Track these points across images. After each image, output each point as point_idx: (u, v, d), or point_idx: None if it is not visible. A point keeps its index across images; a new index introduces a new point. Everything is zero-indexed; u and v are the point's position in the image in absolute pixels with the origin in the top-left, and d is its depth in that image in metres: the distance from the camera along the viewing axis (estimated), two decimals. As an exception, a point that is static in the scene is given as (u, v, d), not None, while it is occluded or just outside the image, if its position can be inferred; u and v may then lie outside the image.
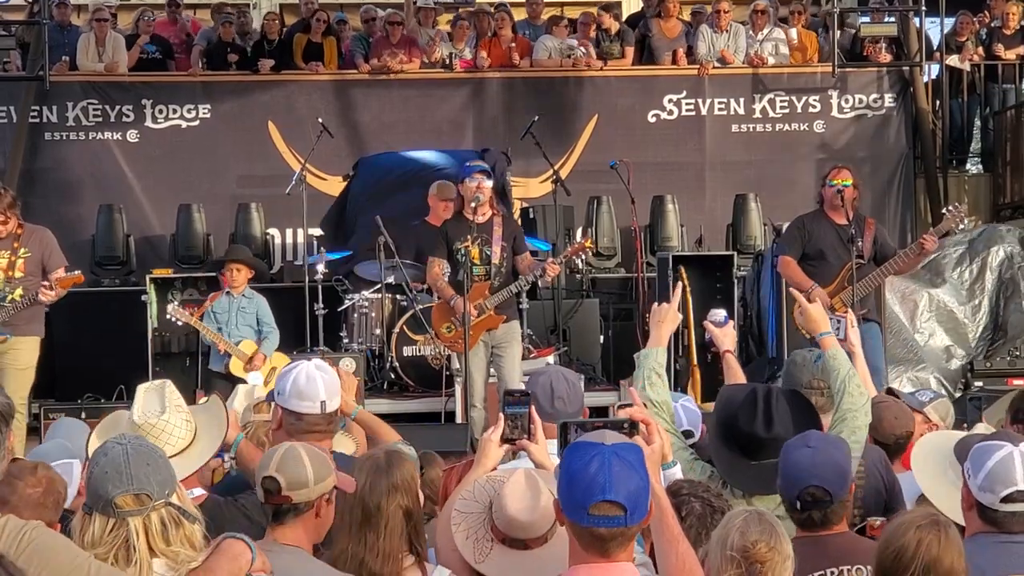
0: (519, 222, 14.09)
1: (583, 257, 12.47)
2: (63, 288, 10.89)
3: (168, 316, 11.98)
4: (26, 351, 10.87)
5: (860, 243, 10.67)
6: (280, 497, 4.55)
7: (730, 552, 4.15)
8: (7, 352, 10.65)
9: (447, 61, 16.87)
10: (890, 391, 7.65)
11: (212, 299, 12.10)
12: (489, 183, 11.12)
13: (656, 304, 5.94)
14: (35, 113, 16.49)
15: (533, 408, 4.76)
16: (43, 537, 3.66)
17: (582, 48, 16.93)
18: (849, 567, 4.80)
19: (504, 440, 4.74)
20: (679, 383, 12.51)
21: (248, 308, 11.99)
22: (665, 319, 5.85)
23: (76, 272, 11.18)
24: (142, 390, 5.03)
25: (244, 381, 11.27)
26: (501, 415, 4.75)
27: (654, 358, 5.71)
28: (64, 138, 16.57)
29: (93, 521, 3.89)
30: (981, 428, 6.11)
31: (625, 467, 3.64)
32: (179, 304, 12.13)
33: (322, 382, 5.56)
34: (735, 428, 5.49)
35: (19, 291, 10.70)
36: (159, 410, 4.95)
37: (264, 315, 12.06)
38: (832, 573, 4.79)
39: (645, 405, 4.84)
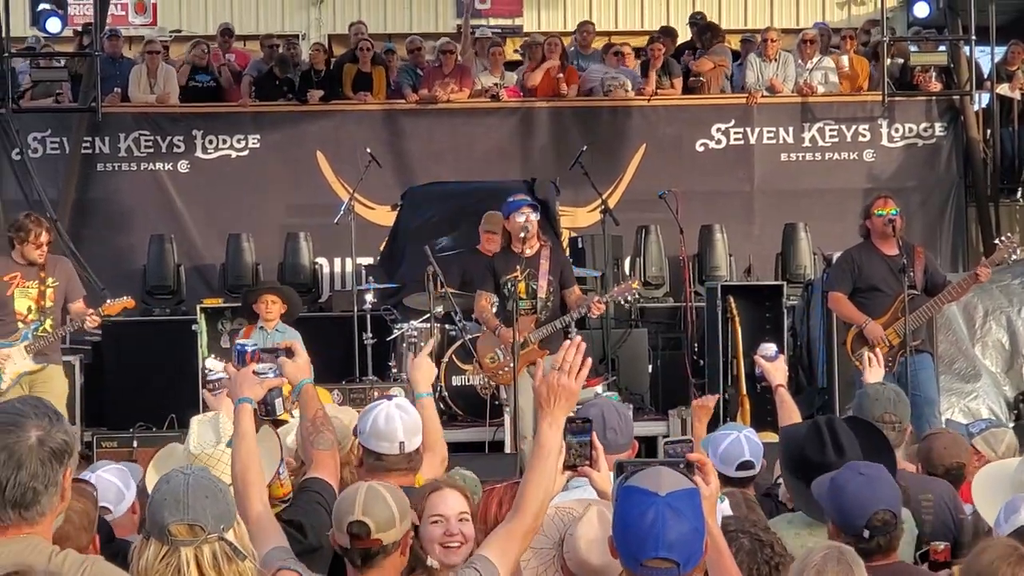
0: (567, 251, 14.09)
1: (627, 298, 12.40)
2: (110, 313, 11.02)
3: (207, 373, 11.91)
4: (59, 380, 10.98)
5: (912, 273, 10.60)
6: (370, 540, 4.52)
7: None
8: (41, 383, 10.68)
9: (495, 93, 16.89)
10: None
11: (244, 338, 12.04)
12: (536, 216, 11.12)
13: None
14: (87, 144, 16.62)
15: (595, 435, 4.73)
16: (103, 573, 3.66)
17: (622, 77, 16.95)
18: None
19: (566, 467, 4.72)
20: (728, 413, 12.44)
21: None
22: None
23: (126, 297, 11.27)
24: (195, 422, 5.06)
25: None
26: (563, 442, 4.73)
27: None
28: (116, 169, 16.69)
29: (149, 546, 3.91)
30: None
31: (679, 519, 3.62)
32: (216, 357, 12.07)
33: (401, 422, 5.60)
34: (806, 460, 5.50)
35: (49, 322, 10.78)
36: (214, 440, 4.97)
37: None
38: None
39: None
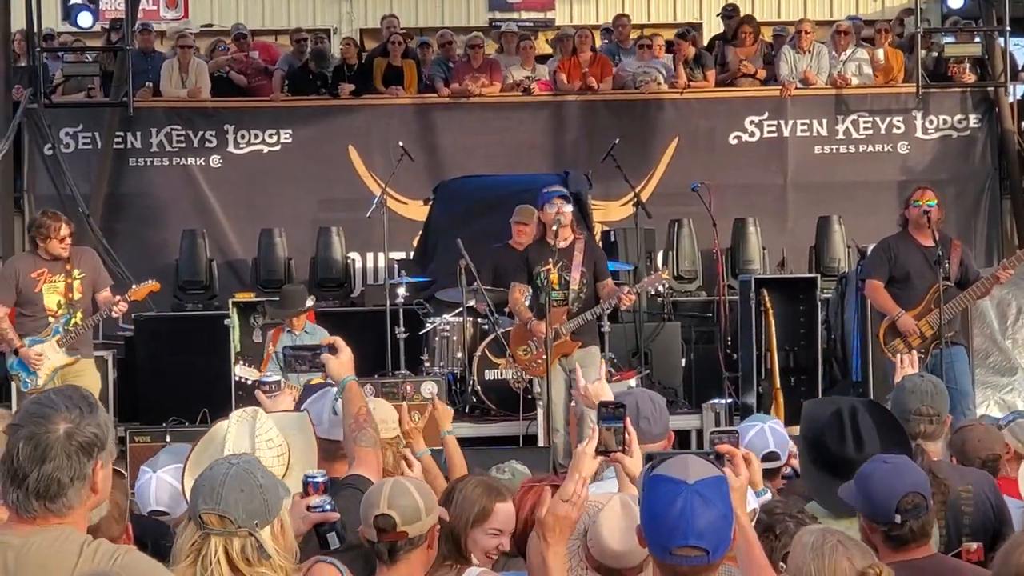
0: (600, 245, 14.06)
1: (657, 288, 12.33)
2: (137, 298, 11.06)
3: (236, 377, 11.94)
4: (91, 375, 10.98)
5: (947, 264, 10.55)
6: (396, 533, 4.53)
7: None
8: (73, 377, 10.66)
9: (527, 87, 16.85)
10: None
11: (274, 341, 12.02)
12: (569, 208, 11.09)
13: None
14: (119, 139, 16.63)
15: (628, 420, 4.70)
16: (136, 562, 3.66)
17: (654, 71, 16.90)
18: None
19: (599, 452, 4.69)
20: (762, 406, 12.40)
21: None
22: None
23: (151, 281, 11.28)
24: (234, 420, 5.00)
25: None
26: (595, 427, 4.70)
27: None
28: (148, 164, 16.71)
29: (187, 528, 3.96)
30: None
31: (707, 506, 3.60)
32: (245, 363, 12.10)
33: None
34: (825, 450, 5.48)
35: (79, 314, 10.80)
36: (248, 448, 4.92)
37: None
38: None
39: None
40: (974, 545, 5.47)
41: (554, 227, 10.95)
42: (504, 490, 5.16)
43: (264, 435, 4.98)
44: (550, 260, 10.96)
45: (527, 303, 11.16)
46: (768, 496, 5.22)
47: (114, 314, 10.97)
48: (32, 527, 3.68)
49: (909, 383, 6.28)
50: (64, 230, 10.81)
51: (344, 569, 4.16)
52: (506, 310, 12.40)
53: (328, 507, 4.70)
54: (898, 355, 7.11)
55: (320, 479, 4.73)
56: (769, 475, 6.42)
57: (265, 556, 3.87)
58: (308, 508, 4.68)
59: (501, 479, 5.73)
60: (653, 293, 13.32)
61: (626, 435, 4.66)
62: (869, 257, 11.53)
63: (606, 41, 18.65)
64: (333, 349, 5.51)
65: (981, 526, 5.84)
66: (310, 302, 12.56)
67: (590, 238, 11.92)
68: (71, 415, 3.69)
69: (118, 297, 10.84)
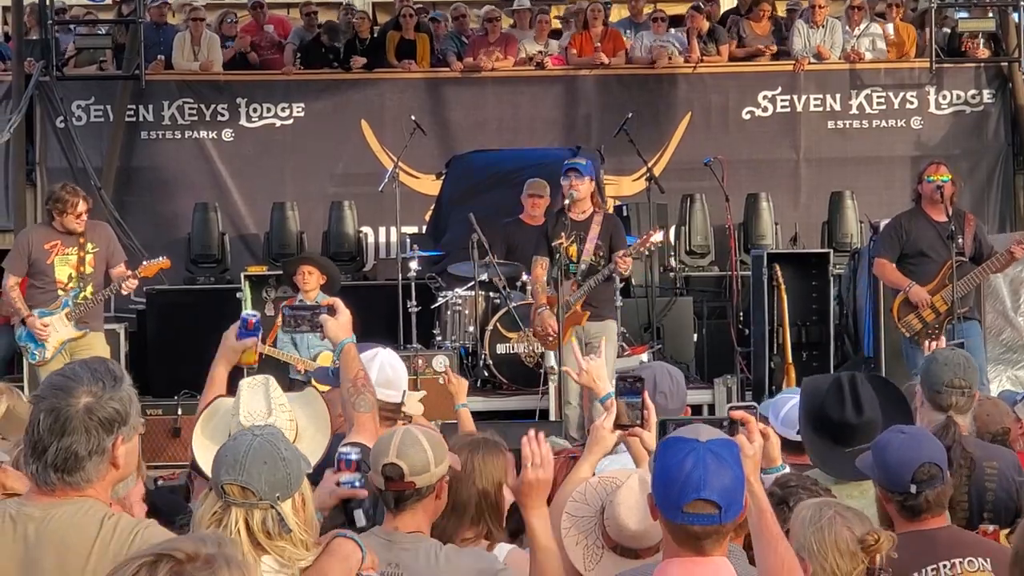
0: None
1: (650, 248, 12.12)
2: (148, 275, 11.06)
3: (243, 314, 11.89)
4: (100, 347, 10.97)
5: (960, 240, 10.52)
6: (403, 483, 4.54)
7: (851, 548, 4.20)
8: (82, 350, 10.64)
9: (540, 61, 16.81)
10: None
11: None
12: (583, 181, 11.06)
13: None
14: (131, 112, 16.60)
15: (646, 394, 4.69)
16: (156, 537, 3.67)
17: (670, 45, 16.84)
18: (961, 559, 4.74)
19: (617, 426, 4.68)
20: (774, 382, 12.41)
21: None
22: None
23: (161, 258, 11.28)
24: (245, 387, 4.99)
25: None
26: (614, 401, 4.69)
27: None
28: (160, 137, 16.69)
29: (207, 498, 3.98)
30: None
31: (720, 464, 3.58)
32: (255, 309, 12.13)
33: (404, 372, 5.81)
34: (825, 417, 5.54)
35: (90, 288, 10.81)
36: (264, 411, 4.91)
37: None
38: (945, 567, 4.73)
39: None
40: (991, 528, 5.46)
41: (566, 201, 10.95)
42: (497, 440, 5.16)
43: (278, 400, 4.99)
44: (563, 234, 10.94)
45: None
46: (786, 470, 5.21)
47: (124, 290, 10.97)
48: (52, 499, 3.70)
49: (941, 356, 6.27)
50: (81, 206, 10.80)
51: (363, 544, 4.15)
52: (518, 284, 12.40)
53: (358, 484, 4.68)
54: (926, 341, 7.11)
55: (354, 456, 4.71)
56: (800, 448, 6.41)
57: (286, 530, 3.88)
58: (338, 484, 4.67)
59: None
60: (648, 254, 13.13)
61: (644, 410, 4.66)
62: (880, 236, 11.50)
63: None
64: (332, 310, 5.51)
65: (1003, 504, 5.83)
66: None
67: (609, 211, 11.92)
68: (93, 388, 3.69)
69: (129, 272, 10.85)
